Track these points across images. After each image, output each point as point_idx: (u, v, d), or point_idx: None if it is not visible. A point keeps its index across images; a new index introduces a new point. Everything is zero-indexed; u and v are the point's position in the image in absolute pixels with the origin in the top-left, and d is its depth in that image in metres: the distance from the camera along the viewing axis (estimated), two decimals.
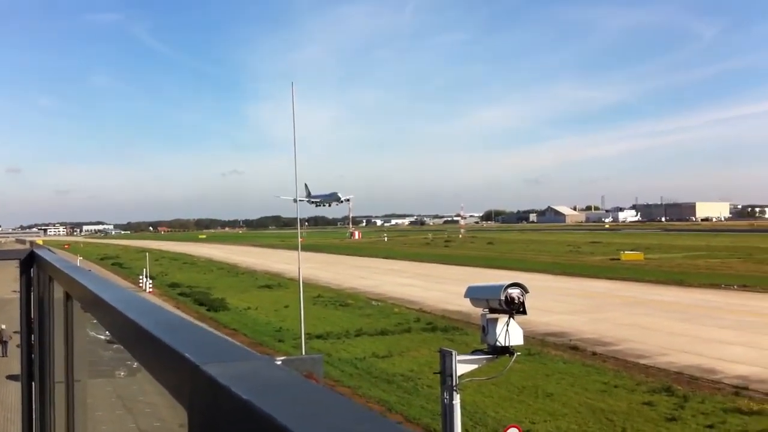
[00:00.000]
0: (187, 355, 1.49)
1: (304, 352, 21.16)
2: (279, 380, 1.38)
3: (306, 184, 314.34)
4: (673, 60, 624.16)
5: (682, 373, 24.87)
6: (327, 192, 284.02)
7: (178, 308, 48.54)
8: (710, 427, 18.53)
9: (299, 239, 25.23)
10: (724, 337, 31.29)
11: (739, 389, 22.05)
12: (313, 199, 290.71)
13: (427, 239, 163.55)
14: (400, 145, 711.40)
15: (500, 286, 10.31)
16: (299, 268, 19.00)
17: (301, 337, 19.94)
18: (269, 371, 1.43)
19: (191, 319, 42.67)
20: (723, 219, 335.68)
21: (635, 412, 19.99)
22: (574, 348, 29.78)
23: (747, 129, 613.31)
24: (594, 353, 28.67)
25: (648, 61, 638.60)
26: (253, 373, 1.40)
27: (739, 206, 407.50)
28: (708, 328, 33.82)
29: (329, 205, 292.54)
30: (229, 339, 1.70)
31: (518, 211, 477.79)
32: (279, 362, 1.73)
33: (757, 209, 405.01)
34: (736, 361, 26.25)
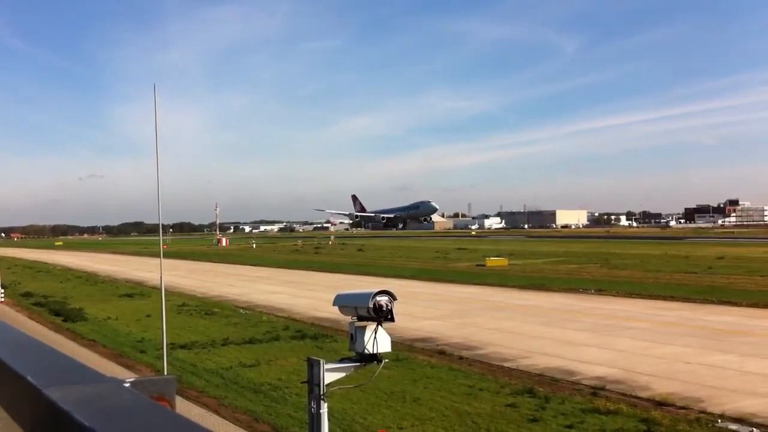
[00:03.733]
0: (28, 377, 1.34)
1: (165, 363, 20.44)
2: (126, 405, 1.25)
3: (355, 196, 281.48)
4: (535, 73, 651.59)
5: (543, 375, 25.64)
6: (408, 203, 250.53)
7: (32, 319, 45.99)
8: (570, 427, 19.11)
9: (161, 246, 24.29)
10: (583, 340, 32.61)
11: (597, 390, 22.91)
12: (386, 214, 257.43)
13: (297, 246, 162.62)
14: (270, 151, 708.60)
15: (369, 294, 10.20)
16: (161, 276, 18.28)
17: (163, 348, 19.21)
18: (116, 395, 1.30)
19: (46, 330, 40.62)
20: (581, 226, 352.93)
21: (499, 414, 20.40)
22: (442, 353, 30.20)
23: (600, 141, 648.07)
24: (461, 357, 29.16)
25: (512, 74, 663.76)
26: (99, 397, 1.27)
27: (596, 214, 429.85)
28: (567, 331, 35.17)
29: (403, 225, 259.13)
30: (76, 359, 1.50)
31: None
32: (128, 384, 1.58)
33: (612, 217, 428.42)
34: (594, 362, 27.35)
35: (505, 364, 27.62)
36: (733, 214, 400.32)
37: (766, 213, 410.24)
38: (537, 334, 34.48)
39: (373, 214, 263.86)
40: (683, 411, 20.09)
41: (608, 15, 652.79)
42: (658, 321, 37.88)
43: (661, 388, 22.75)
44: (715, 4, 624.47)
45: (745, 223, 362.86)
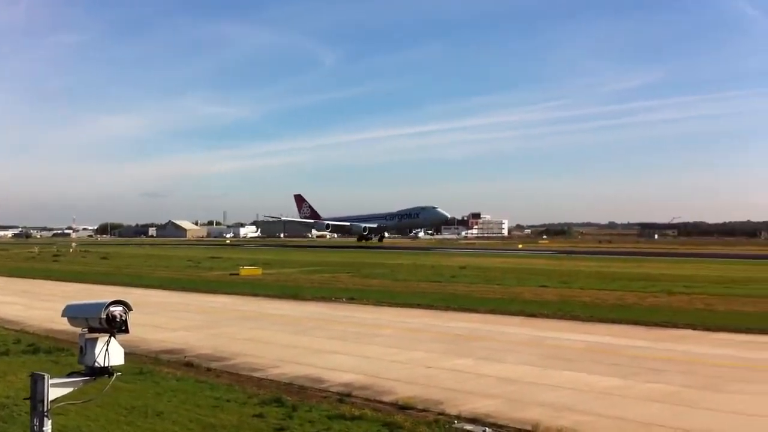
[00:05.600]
0: None
1: None
2: None
3: (300, 196, 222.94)
4: (295, 83, 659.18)
5: (292, 383, 25.58)
6: (399, 209, 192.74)
7: None
8: None
9: None
10: (332, 347, 33.08)
11: (344, 396, 23.22)
12: (368, 223, 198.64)
13: (33, 253, 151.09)
14: (7, 151, 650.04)
15: (101, 305, 9.56)
16: None
17: None
18: None
19: None
20: (336, 236, 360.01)
21: (245, 425, 20.01)
22: (189, 364, 29.16)
23: (356, 153, 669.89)
24: (209, 369, 28.35)
25: (273, 83, 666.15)
26: None
27: None
28: (318, 339, 35.55)
29: (380, 237, 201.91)
30: None
31: (137, 225, 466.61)
32: None
33: None
34: (342, 369, 27.79)
35: (255, 374, 27.28)
36: (476, 227, 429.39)
37: (503, 226, 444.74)
38: (288, 343, 34.50)
39: (348, 224, 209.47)
40: (423, 413, 20.89)
41: (367, 31, 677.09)
42: (405, 328, 39.45)
43: (403, 392, 23.54)
44: (473, 29, 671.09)
45: (485, 234, 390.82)
